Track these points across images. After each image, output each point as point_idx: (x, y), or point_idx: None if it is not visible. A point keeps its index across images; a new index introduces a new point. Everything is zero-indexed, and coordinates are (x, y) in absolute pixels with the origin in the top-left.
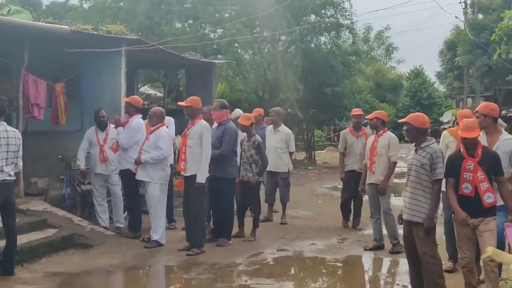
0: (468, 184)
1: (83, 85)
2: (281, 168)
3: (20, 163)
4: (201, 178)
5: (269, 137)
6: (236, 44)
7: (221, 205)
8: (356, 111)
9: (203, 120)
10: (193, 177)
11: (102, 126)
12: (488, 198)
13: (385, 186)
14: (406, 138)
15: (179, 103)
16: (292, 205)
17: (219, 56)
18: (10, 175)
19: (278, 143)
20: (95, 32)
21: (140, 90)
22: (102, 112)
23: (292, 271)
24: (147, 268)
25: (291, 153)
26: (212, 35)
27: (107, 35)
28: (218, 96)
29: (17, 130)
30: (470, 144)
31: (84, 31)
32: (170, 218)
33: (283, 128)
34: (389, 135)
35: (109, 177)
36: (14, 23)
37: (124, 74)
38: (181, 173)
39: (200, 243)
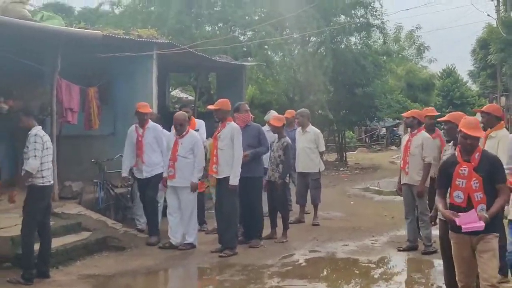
0: (460, 193)
1: (115, 90)
2: (311, 168)
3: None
4: (235, 180)
5: (298, 139)
6: (266, 46)
7: (250, 205)
8: (431, 110)
9: (233, 123)
10: (226, 179)
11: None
12: (482, 210)
13: (423, 188)
14: (446, 137)
15: (209, 106)
16: (324, 206)
17: (249, 58)
18: (50, 180)
19: (307, 144)
20: (127, 37)
21: (172, 93)
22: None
23: (325, 273)
24: (180, 270)
25: (321, 153)
26: (242, 37)
27: (138, 39)
28: (249, 99)
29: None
30: (469, 146)
31: (116, 35)
32: (201, 220)
33: (311, 128)
34: (422, 135)
35: None
36: (47, 29)
37: (156, 78)
38: (213, 175)
39: (233, 244)
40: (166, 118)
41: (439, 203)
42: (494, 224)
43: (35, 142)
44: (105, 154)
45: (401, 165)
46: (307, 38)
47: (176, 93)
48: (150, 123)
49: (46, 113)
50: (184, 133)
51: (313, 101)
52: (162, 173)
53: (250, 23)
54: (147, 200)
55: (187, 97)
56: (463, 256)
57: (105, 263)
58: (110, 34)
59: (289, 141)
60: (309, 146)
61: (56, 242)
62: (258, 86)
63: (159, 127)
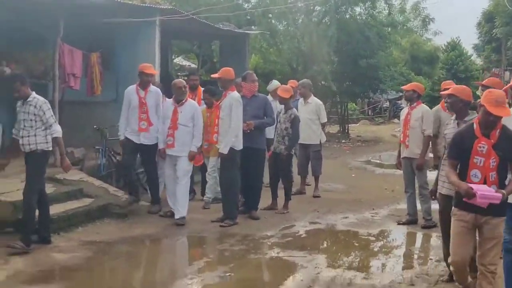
0: (478, 172)
1: (117, 56)
2: (312, 140)
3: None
4: (224, 149)
5: (300, 110)
6: (270, 15)
7: (251, 176)
8: (449, 83)
9: (235, 92)
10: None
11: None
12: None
13: (423, 161)
14: (449, 111)
15: (212, 75)
16: (325, 178)
17: (252, 27)
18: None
19: (309, 115)
20: (130, 2)
21: (174, 61)
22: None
23: (324, 244)
24: (181, 238)
25: (323, 125)
26: (246, 5)
27: (141, 4)
28: (252, 68)
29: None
30: (492, 123)
31: (119, 0)
32: (203, 191)
33: (313, 99)
34: (422, 108)
35: None
36: None
37: (158, 44)
38: (215, 145)
39: (233, 214)
40: (168, 86)
41: (452, 175)
42: (503, 206)
43: (48, 108)
44: (107, 121)
45: (401, 139)
46: (312, 7)
47: (179, 60)
48: (152, 86)
49: (48, 78)
50: (183, 101)
51: (317, 72)
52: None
53: None
54: (147, 169)
55: (189, 65)
56: (464, 233)
57: (107, 230)
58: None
59: (296, 113)
60: (310, 117)
61: (58, 208)
62: (261, 55)
63: (160, 92)
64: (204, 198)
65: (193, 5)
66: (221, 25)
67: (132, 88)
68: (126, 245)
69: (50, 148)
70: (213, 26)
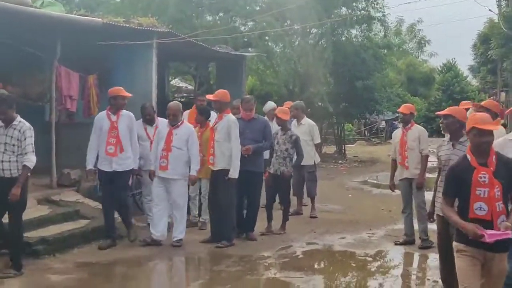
0: (483, 204)
1: (114, 78)
2: (306, 161)
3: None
4: (235, 173)
5: (293, 131)
6: (267, 37)
7: (249, 199)
8: (466, 104)
9: (231, 115)
10: (221, 171)
11: (149, 122)
12: (502, 222)
13: (423, 180)
14: (444, 132)
15: (207, 96)
16: (321, 199)
17: (249, 49)
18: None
19: (303, 136)
20: (127, 25)
21: (171, 82)
22: (148, 110)
23: (322, 265)
24: (177, 259)
25: (317, 145)
26: (243, 28)
27: (138, 27)
28: (249, 89)
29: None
30: (485, 145)
31: (116, 23)
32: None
33: (306, 120)
34: (418, 128)
35: None
36: (47, 15)
37: (155, 66)
38: (209, 167)
39: (230, 235)
40: (165, 107)
41: (451, 214)
42: (508, 241)
43: (31, 136)
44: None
45: (399, 161)
46: (308, 30)
47: (176, 82)
48: (124, 110)
49: (45, 100)
50: (178, 123)
51: (313, 93)
52: (132, 168)
53: (251, 13)
54: (118, 199)
55: (186, 87)
56: (473, 270)
57: (102, 252)
58: (110, 22)
59: (296, 134)
60: (304, 138)
61: (54, 230)
62: (258, 77)
63: (133, 116)
64: (200, 219)
65: (190, 27)
66: (218, 48)
67: (103, 114)
68: (122, 266)
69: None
70: (210, 48)
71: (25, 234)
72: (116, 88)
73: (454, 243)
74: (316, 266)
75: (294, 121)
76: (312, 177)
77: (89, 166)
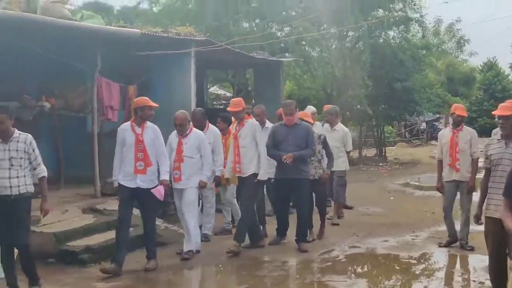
0: None
1: (154, 87)
2: (338, 166)
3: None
4: (264, 175)
5: (326, 137)
6: (304, 42)
7: (299, 207)
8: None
9: (252, 119)
10: (252, 176)
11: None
12: None
13: (474, 184)
14: (501, 131)
15: (229, 109)
16: (363, 201)
17: (286, 54)
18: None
19: (335, 142)
20: (165, 35)
21: (209, 90)
22: (197, 116)
23: (365, 269)
24: (220, 266)
25: (348, 152)
26: (279, 33)
27: (176, 37)
28: (286, 95)
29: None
30: None
31: (154, 33)
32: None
33: (340, 126)
34: (469, 130)
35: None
36: (87, 28)
37: (194, 75)
38: (236, 175)
39: (242, 239)
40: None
41: (507, 220)
42: None
43: (36, 147)
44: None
45: (449, 162)
46: (345, 33)
47: (214, 89)
48: (148, 122)
49: (87, 111)
50: (187, 132)
51: (351, 96)
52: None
53: (287, 18)
54: (145, 218)
55: (225, 94)
56: None
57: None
58: (149, 32)
59: (324, 134)
60: (336, 145)
61: (98, 238)
62: (295, 82)
63: (158, 128)
64: (225, 227)
65: (227, 35)
66: (255, 54)
67: (126, 125)
68: (165, 273)
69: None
70: (247, 55)
71: (71, 243)
72: (143, 98)
73: (509, 261)
74: (359, 269)
75: (327, 126)
76: (341, 182)
77: (116, 182)
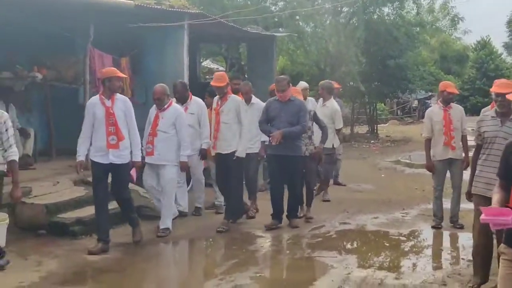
0: None
1: (146, 60)
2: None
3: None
4: (242, 152)
5: (317, 111)
6: (298, 17)
7: (290, 184)
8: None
9: (234, 95)
10: (233, 154)
11: (179, 100)
12: None
13: (469, 161)
14: (499, 109)
15: (212, 83)
16: (354, 178)
17: (280, 29)
18: None
19: (324, 119)
20: (158, 7)
21: (202, 64)
22: (177, 87)
23: (355, 245)
24: (210, 239)
25: (337, 130)
26: (273, 8)
27: (170, 9)
28: (280, 70)
29: None
30: None
31: (148, 5)
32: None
33: (331, 103)
34: (458, 108)
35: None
36: None
37: (187, 48)
38: (217, 151)
39: (236, 217)
40: (197, 89)
41: (494, 200)
42: None
43: (11, 127)
44: (137, 123)
45: (445, 141)
46: (339, 9)
47: (207, 63)
48: (118, 94)
49: (79, 83)
50: (165, 106)
51: (345, 73)
52: (131, 161)
53: None
54: (119, 195)
55: (217, 68)
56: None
57: None
58: (142, 4)
59: (314, 109)
60: (325, 122)
61: (89, 210)
62: (289, 57)
63: (129, 100)
64: (215, 203)
65: (220, 8)
66: (248, 28)
67: (95, 99)
68: (156, 246)
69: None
70: (240, 29)
71: (62, 215)
72: (110, 69)
73: (502, 246)
74: (349, 246)
75: (320, 101)
76: (329, 160)
77: (81, 157)
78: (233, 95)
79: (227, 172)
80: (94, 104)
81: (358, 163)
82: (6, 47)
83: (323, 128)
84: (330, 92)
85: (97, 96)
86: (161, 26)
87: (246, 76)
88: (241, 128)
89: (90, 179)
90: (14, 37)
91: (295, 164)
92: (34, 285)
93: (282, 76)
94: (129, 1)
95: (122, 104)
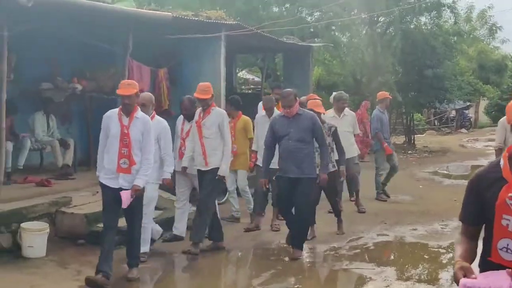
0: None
1: (183, 71)
2: (351, 152)
3: None
4: (226, 171)
5: (335, 124)
6: (334, 27)
7: (300, 209)
8: None
9: (217, 108)
10: (214, 170)
11: (186, 117)
12: None
13: None
14: None
15: (196, 95)
16: (392, 189)
17: (316, 39)
18: None
19: (347, 127)
20: (196, 18)
21: (238, 74)
22: (184, 104)
23: (393, 257)
24: (248, 250)
25: (355, 136)
26: (309, 18)
27: (207, 20)
28: (315, 80)
29: None
30: None
31: (185, 17)
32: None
33: (348, 111)
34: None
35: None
36: (119, 10)
37: (224, 59)
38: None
39: (201, 239)
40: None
41: (457, 248)
42: None
43: None
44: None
45: None
46: (376, 18)
47: (243, 74)
48: (140, 112)
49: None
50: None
51: (381, 83)
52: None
53: (317, 3)
54: (130, 222)
55: (253, 78)
56: None
57: (175, 242)
58: (180, 16)
59: (334, 125)
60: (348, 130)
61: None
62: (324, 68)
63: (149, 120)
64: (233, 214)
65: (257, 19)
66: (285, 39)
67: (113, 112)
68: (192, 257)
69: None
70: (277, 39)
71: (101, 225)
72: (122, 83)
73: None
74: (387, 258)
75: (333, 113)
76: (357, 169)
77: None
78: (217, 108)
79: (204, 190)
80: (110, 117)
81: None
82: (48, 59)
83: (340, 149)
84: (342, 101)
85: (116, 110)
86: (198, 37)
87: (282, 85)
88: (224, 145)
89: None
90: (55, 49)
91: (306, 187)
92: None
93: (287, 90)
94: (167, 13)
95: (142, 124)
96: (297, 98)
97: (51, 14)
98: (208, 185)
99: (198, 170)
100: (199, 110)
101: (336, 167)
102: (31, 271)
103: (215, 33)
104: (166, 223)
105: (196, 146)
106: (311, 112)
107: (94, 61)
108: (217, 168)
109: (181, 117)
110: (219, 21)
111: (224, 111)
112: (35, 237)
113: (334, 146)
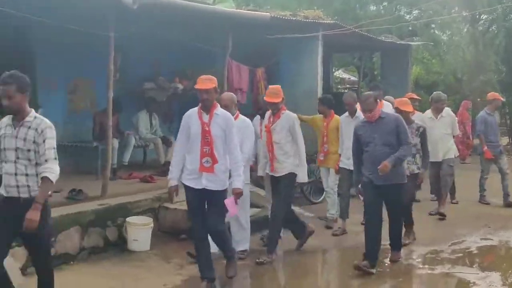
0: None
1: (281, 70)
2: (449, 154)
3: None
4: (304, 177)
5: (432, 125)
6: (433, 25)
7: (394, 215)
8: None
9: (288, 111)
10: (287, 176)
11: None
12: None
13: None
14: None
15: (266, 98)
16: (495, 192)
17: (414, 38)
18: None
19: (445, 129)
20: (293, 18)
21: (335, 74)
22: (260, 103)
23: (498, 262)
24: (344, 250)
25: (454, 137)
26: (408, 16)
27: (304, 20)
28: (414, 79)
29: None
30: None
31: (283, 17)
32: None
33: (447, 111)
34: None
35: None
36: (219, 11)
37: (321, 58)
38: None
39: (272, 248)
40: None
41: None
42: None
43: (53, 137)
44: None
45: None
46: (478, 16)
47: (339, 73)
48: (220, 109)
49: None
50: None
51: (483, 82)
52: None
53: (416, 1)
54: (213, 227)
55: (349, 78)
56: None
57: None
58: (278, 16)
59: (423, 125)
60: (447, 132)
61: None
62: (423, 67)
63: (231, 116)
64: (328, 216)
65: (354, 18)
66: (383, 37)
67: (193, 111)
68: (292, 255)
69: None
70: (375, 38)
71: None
72: (199, 78)
73: None
74: (492, 262)
75: (430, 114)
76: (452, 171)
77: (174, 181)
78: (287, 111)
79: (278, 196)
80: (190, 116)
81: (499, 176)
82: (150, 59)
83: (425, 152)
84: (441, 102)
85: (196, 108)
86: (296, 37)
87: (380, 84)
88: (298, 150)
89: None
90: (157, 50)
91: (398, 193)
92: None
93: (367, 93)
94: (265, 13)
95: (223, 121)
96: (379, 100)
97: (154, 15)
98: (281, 192)
99: (271, 176)
100: (268, 113)
101: (420, 169)
102: (136, 264)
103: (313, 33)
104: (265, 221)
105: (267, 151)
106: (395, 114)
107: (194, 61)
108: (290, 174)
109: (257, 117)
110: (316, 21)
111: (295, 115)
112: (140, 231)
113: (420, 147)
